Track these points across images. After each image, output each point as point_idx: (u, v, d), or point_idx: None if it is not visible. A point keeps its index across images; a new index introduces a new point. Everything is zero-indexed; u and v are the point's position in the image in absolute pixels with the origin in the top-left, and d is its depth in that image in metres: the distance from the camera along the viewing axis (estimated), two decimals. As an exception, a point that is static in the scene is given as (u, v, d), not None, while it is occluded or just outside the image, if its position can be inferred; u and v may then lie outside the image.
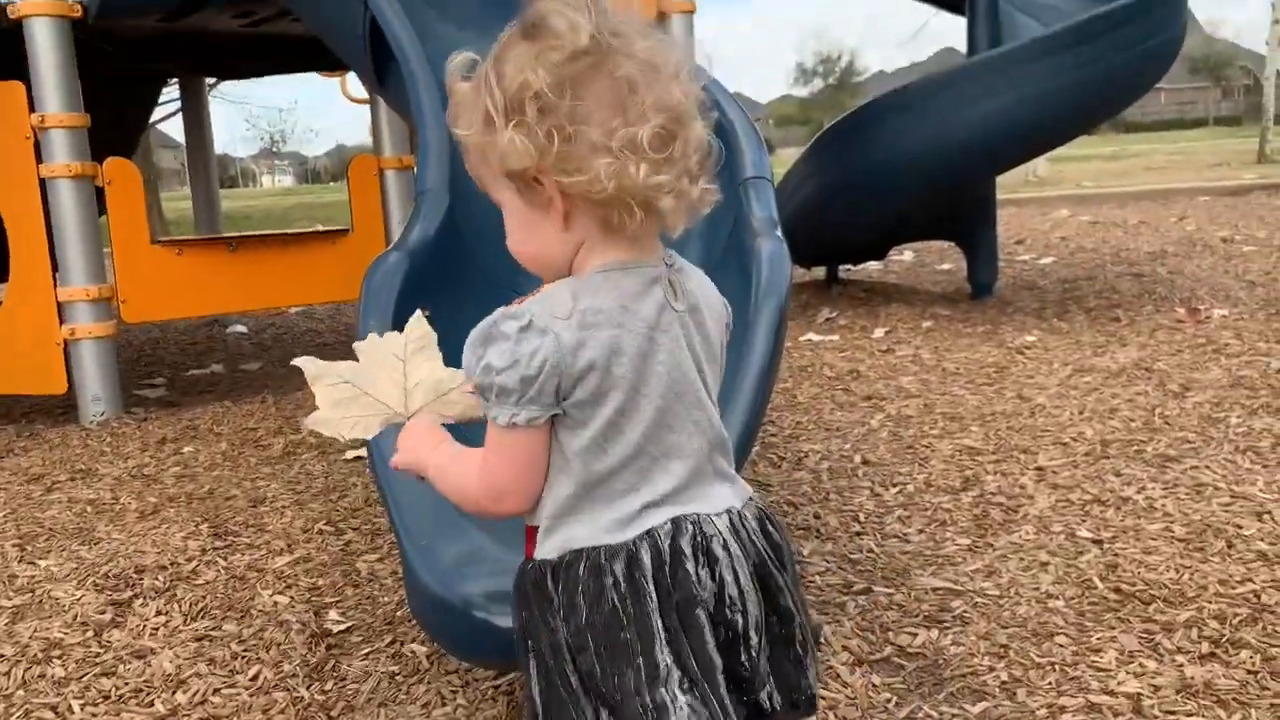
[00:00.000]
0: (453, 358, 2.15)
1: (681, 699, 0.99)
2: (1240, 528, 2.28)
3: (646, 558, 1.02)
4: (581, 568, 1.03)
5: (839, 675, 1.79)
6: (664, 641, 1.00)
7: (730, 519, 1.07)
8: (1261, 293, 5.08)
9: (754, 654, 1.05)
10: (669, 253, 1.08)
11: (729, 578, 1.04)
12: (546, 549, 1.07)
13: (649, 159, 0.98)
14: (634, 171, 0.97)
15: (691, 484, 1.06)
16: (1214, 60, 51.00)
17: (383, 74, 3.05)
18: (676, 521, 1.04)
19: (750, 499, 1.12)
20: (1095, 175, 15.91)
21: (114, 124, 5.19)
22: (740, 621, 1.04)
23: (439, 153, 2.57)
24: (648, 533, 1.03)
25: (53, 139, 3.86)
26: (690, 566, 1.02)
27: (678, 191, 1.00)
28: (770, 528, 1.11)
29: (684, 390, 1.06)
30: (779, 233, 2.13)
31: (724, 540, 1.05)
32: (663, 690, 0.99)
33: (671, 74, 1.00)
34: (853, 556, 2.29)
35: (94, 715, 1.83)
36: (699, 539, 1.04)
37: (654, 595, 1.01)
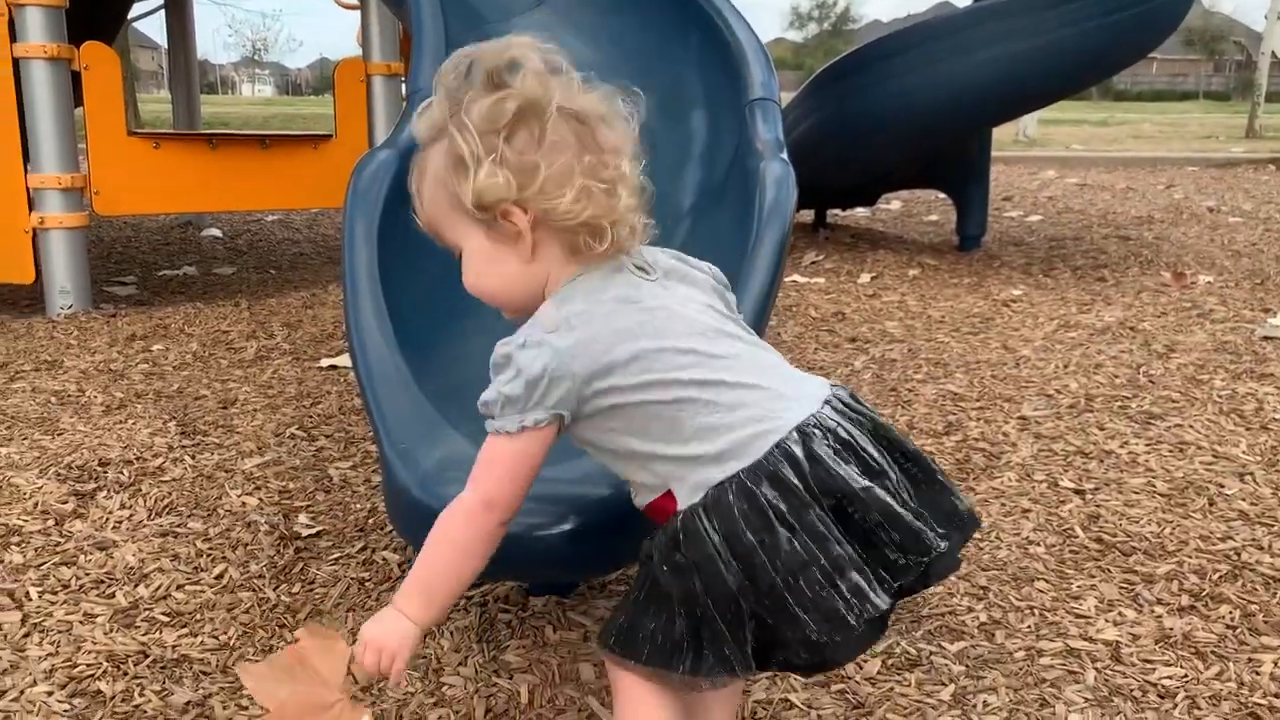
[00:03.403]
0: (434, 270, 2.08)
1: (860, 580, 1.03)
2: (1222, 486, 2.27)
3: (787, 469, 1.05)
4: (730, 496, 1.06)
5: (817, 607, 1.77)
6: (837, 537, 1.04)
7: (833, 407, 1.10)
8: (1247, 263, 5.07)
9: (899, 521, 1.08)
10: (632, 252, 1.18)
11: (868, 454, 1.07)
12: (683, 498, 1.10)
13: (611, 190, 1.11)
14: (599, 199, 1.10)
15: (779, 394, 1.11)
16: (1209, 34, 50.79)
17: (379, -31, 2.93)
18: (801, 429, 1.07)
19: (833, 385, 1.15)
20: (1085, 139, 15.87)
21: (93, 9, 4.99)
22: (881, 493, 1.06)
23: (434, 53, 2.47)
24: (777, 445, 1.06)
25: (27, 17, 3.68)
26: (831, 464, 1.05)
27: (631, 221, 1.13)
28: (855, 401, 1.15)
29: (703, 329, 1.13)
30: (784, 155, 2.05)
31: (846, 427, 1.09)
32: (851, 577, 1.03)
33: (616, 117, 1.14)
34: (833, 492, 2.27)
35: (52, 603, 1.78)
36: (824, 435, 1.07)
37: (809, 498, 1.04)
